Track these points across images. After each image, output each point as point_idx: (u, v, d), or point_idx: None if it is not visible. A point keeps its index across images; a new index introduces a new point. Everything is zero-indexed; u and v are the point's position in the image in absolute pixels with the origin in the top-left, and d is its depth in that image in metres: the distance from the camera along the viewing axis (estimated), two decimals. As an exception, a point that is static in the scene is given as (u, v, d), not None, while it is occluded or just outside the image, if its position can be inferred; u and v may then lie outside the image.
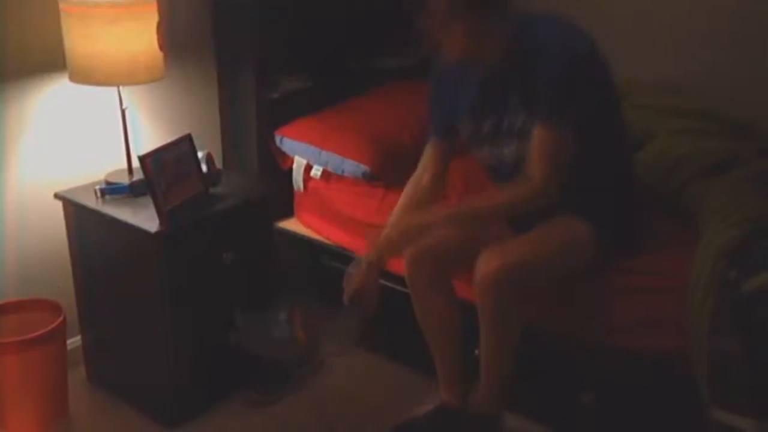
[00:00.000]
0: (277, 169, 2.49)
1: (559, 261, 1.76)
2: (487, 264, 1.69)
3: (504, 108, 1.75)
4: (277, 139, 2.44)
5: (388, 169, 2.26)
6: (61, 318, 1.97)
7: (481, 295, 1.71)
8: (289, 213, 2.51)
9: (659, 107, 2.19)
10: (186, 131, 2.02)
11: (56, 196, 2.02)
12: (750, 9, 2.29)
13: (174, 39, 2.11)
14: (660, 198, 1.93)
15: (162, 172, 1.87)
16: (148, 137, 2.24)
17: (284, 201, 2.49)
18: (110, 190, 1.99)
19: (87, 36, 1.84)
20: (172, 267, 1.89)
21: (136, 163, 2.00)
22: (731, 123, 2.09)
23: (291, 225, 2.48)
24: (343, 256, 2.29)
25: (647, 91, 2.32)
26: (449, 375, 1.94)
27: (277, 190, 2.38)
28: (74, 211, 2.02)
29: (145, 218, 1.88)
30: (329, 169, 2.34)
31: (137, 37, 1.88)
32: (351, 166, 2.27)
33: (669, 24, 2.46)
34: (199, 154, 2.02)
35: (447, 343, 1.92)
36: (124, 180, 2.03)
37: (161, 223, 1.85)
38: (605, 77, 1.74)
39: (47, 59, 1.99)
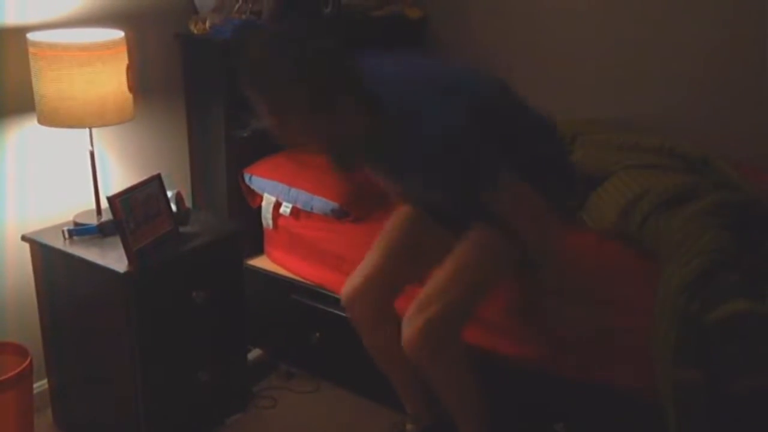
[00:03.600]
0: (247, 207, 2.50)
1: (483, 283, 1.74)
2: (411, 328, 1.66)
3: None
4: (246, 177, 2.45)
5: (357, 205, 2.29)
6: (27, 362, 1.94)
7: (415, 358, 1.69)
8: (259, 251, 2.52)
9: (618, 143, 2.26)
10: (155, 171, 2.03)
11: (23, 238, 2.00)
12: (708, 48, 2.38)
13: (142, 80, 2.13)
14: (622, 233, 1.99)
15: (131, 212, 1.87)
16: (118, 177, 2.24)
17: (254, 239, 2.50)
18: (78, 231, 1.98)
19: (56, 79, 1.84)
20: (142, 307, 1.88)
21: (105, 204, 2.00)
22: (688, 158, 2.16)
23: (261, 263, 2.49)
24: (313, 292, 2.30)
25: (607, 128, 2.39)
26: (412, 396, 1.94)
27: (247, 228, 2.39)
28: (41, 252, 2.00)
29: (113, 259, 1.87)
30: (298, 206, 2.35)
31: (106, 79, 1.89)
32: (320, 203, 2.29)
33: (630, 64, 2.55)
34: (169, 194, 2.02)
35: (402, 368, 1.88)
36: (93, 221, 2.02)
37: (130, 263, 1.85)
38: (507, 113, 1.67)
39: (16, 101, 1.99)
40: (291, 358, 2.44)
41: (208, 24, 2.33)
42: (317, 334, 2.31)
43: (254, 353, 2.40)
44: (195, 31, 2.33)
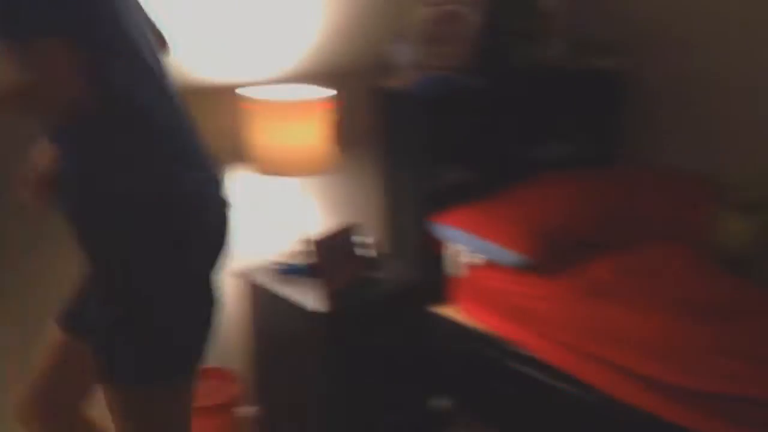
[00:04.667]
0: (435, 255, 2.55)
1: None
2: None
3: None
4: (436, 226, 2.51)
5: (549, 258, 2.25)
6: (236, 387, 2.11)
7: None
8: (446, 300, 2.56)
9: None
10: (352, 218, 2.16)
11: (235, 273, 2.20)
12: None
13: (344, 133, 2.28)
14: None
15: (330, 256, 2.00)
16: (317, 222, 2.41)
17: (441, 287, 2.54)
18: (285, 270, 2.15)
19: (265, 132, 2.04)
20: (334, 345, 1.98)
21: (304, 246, 2.15)
22: None
23: (447, 311, 2.52)
24: (499, 345, 2.28)
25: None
26: None
27: (435, 276, 2.44)
28: (251, 287, 2.19)
29: (312, 297, 2.01)
30: (487, 257, 2.36)
31: (312, 133, 2.06)
32: (509, 255, 2.28)
33: None
34: (364, 240, 2.14)
35: None
36: (294, 261, 2.18)
37: (327, 303, 1.97)
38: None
39: (229, 150, 2.20)
40: (474, 410, 2.43)
41: (405, 79, 2.45)
42: (501, 389, 2.28)
43: (437, 402, 2.43)
44: (393, 86, 2.47)
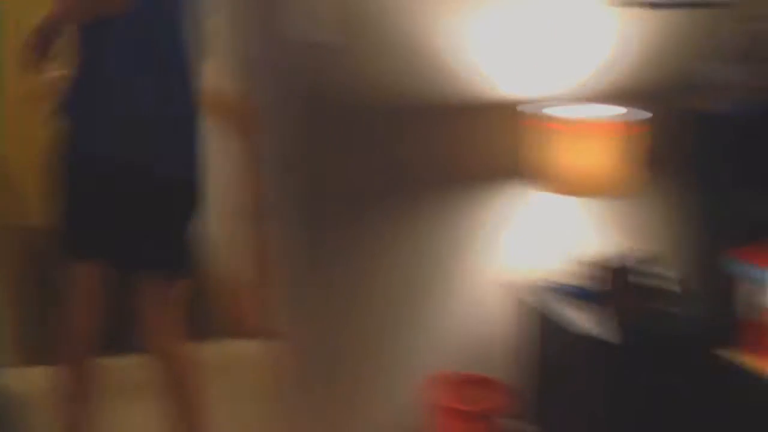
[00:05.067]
0: (730, 293, 2.34)
1: None
2: None
3: None
4: (737, 261, 2.31)
5: None
6: (502, 397, 2.14)
7: None
8: (737, 344, 2.34)
9: None
10: (647, 246, 2.05)
11: (504, 286, 2.23)
12: None
13: (647, 156, 2.18)
14: None
15: (624, 284, 1.94)
16: (603, 245, 2.34)
17: (732, 329, 2.33)
18: (560, 290, 2.13)
19: (551, 150, 2.03)
20: (621, 377, 1.91)
21: (587, 269, 2.10)
22: None
23: (739, 357, 2.30)
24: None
25: None
26: None
27: (727, 316, 2.24)
28: (522, 302, 2.21)
29: (597, 324, 1.95)
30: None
31: (606, 153, 2.00)
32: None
33: None
34: (660, 271, 2.03)
35: None
36: (574, 282, 2.15)
37: (618, 333, 1.90)
38: None
39: (504, 167, 2.24)
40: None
41: (718, 99, 2.27)
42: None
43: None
44: (703, 107, 2.30)
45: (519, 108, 2.16)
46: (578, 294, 2.10)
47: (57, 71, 2.01)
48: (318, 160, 2.12)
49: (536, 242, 2.33)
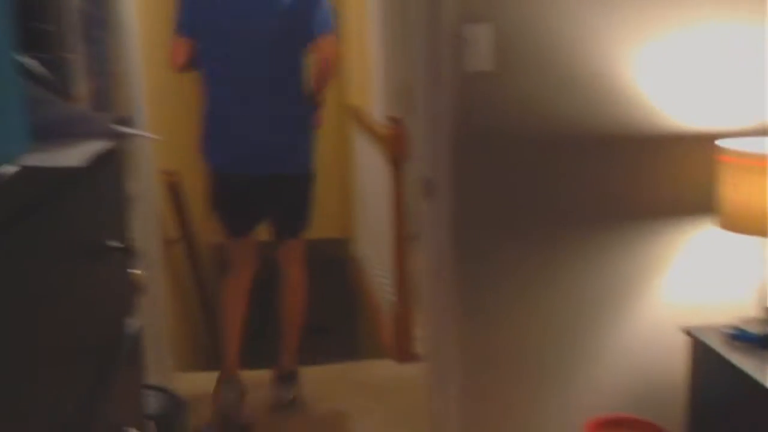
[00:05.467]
0: None
1: None
2: None
3: None
4: None
5: None
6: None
7: None
8: None
9: None
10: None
11: (684, 330, 2.08)
12: None
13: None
14: None
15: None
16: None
17: None
18: (741, 336, 1.95)
19: (740, 184, 1.87)
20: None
21: (764, 314, 1.92)
22: None
23: None
24: None
25: None
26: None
27: None
28: (699, 348, 2.05)
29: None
30: None
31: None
32: None
33: None
34: None
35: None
36: (755, 329, 1.96)
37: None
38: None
39: (696, 203, 2.10)
40: None
41: None
42: None
43: None
44: None
45: (717, 142, 2.01)
46: (762, 341, 1.92)
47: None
48: (471, 187, 2.08)
49: (722, 284, 2.17)
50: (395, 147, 3.23)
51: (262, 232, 2.92)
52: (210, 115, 2.67)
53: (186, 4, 2.56)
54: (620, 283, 2.16)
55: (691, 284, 2.17)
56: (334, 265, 5.62)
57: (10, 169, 0.73)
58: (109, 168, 1.10)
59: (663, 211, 2.13)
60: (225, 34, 2.53)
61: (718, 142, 1.97)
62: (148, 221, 2.61)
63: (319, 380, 3.17)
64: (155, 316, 2.65)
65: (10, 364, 0.73)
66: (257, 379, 3.00)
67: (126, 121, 0.94)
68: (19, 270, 0.76)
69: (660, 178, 2.11)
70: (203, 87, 2.65)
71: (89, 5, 1.20)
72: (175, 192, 3.76)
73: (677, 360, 2.13)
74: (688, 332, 2.06)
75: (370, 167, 4.02)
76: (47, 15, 0.96)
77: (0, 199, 0.71)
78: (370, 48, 4.58)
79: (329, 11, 2.61)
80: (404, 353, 3.25)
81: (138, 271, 1.28)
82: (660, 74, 2.06)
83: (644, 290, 2.17)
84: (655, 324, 2.18)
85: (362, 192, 4.53)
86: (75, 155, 0.81)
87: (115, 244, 1.08)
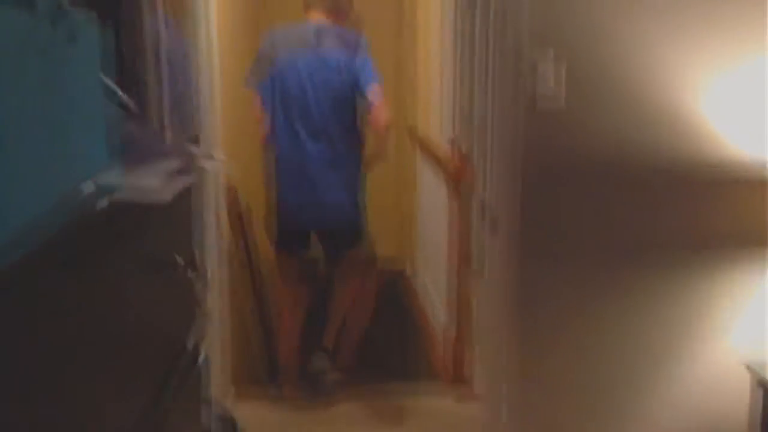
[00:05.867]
0: None
1: None
2: None
3: None
4: None
5: None
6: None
7: None
8: None
9: None
10: None
11: (748, 368, 2.02)
12: None
13: None
14: None
15: None
16: None
17: None
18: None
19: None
20: None
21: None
22: None
23: None
24: None
25: None
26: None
27: None
28: (763, 386, 1.98)
29: None
30: None
31: None
32: None
33: None
34: None
35: None
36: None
37: None
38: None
39: (747, 235, 2.04)
40: None
41: None
42: None
43: None
44: None
45: (759, 170, 1.97)
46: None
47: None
48: (537, 224, 2.07)
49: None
50: (457, 173, 3.23)
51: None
52: (280, 158, 3.11)
53: (258, 60, 3.12)
54: (684, 319, 2.11)
55: (757, 321, 2.10)
56: (389, 288, 5.62)
57: (103, 202, 0.77)
58: (185, 192, 1.14)
59: (731, 246, 2.08)
60: (293, 91, 3.02)
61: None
62: (210, 238, 2.66)
63: (366, 398, 3.15)
64: (213, 332, 2.69)
65: (83, 375, 0.76)
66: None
67: (200, 142, 0.97)
68: (99, 288, 0.79)
69: (729, 212, 2.06)
70: (274, 132, 3.10)
71: (168, 30, 1.26)
72: (236, 208, 3.83)
73: (740, 399, 2.07)
74: (752, 370, 2.00)
75: (431, 190, 4.03)
76: (129, 40, 1.00)
77: (91, 230, 0.75)
78: (436, 72, 4.60)
79: (372, 66, 3.04)
80: (455, 376, 3.23)
81: (201, 289, 1.31)
82: (729, 107, 2.02)
83: (708, 327, 2.12)
84: (718, 362, 2.12)
85: (421, 214, 4.54)
86: (161, 190, 0.86)
87: (184, 263, 1.11)
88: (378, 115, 2.99)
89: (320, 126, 3.02)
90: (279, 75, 3.03)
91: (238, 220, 3.88)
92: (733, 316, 2.11)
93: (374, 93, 2.98)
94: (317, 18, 3.07)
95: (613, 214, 2.07)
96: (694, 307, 2.10)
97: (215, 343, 2.70)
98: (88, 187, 0.75)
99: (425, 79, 4.71)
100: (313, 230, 3.23)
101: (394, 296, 5.44)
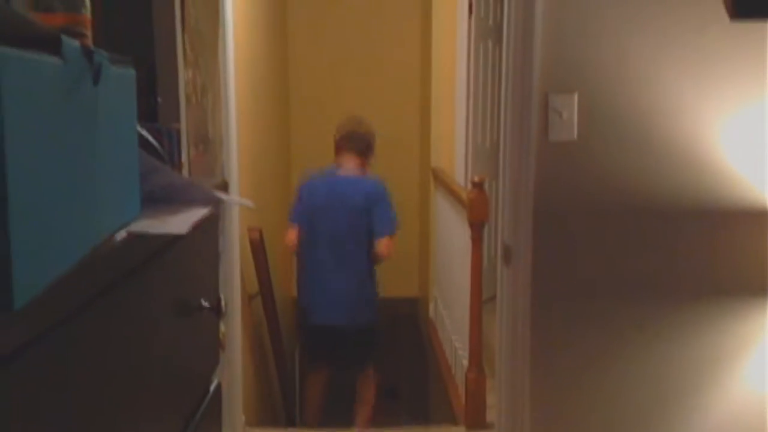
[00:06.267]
0: None
1: None
2: None
3: None
4: None
5: None
6: None
7: None
8: None
9: None
10: None
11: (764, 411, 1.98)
12: None
13: None
14: None
15: None
16: None
17: None
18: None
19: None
20: None
21: None
22: None
23: None
24: None
25: None
26: None
27: None
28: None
29: None
30: None
31: None
32: None
33: None
34: None
35: None
36: None
37: None
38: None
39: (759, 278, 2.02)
40: None
41: None
42: None
43: None
44: None
45: None
46: None
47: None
48: (550, 255, 2.06)
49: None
50: (475, 211, 3.24)
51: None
52: (304, 271, 3.78)
53: (299, 202, 3.76)
54: (702, 363, 2.07)
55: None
56: (408, 325, 5.60)
57: (121, 234, 0.79)
58: (206, 230, 1.16)
59: (748, 289, 2.05)
60: (318, 221, 3.62)
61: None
62: (231, 276, 2.69)
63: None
64: (232, 370, 2.71)
65: (105, 417, 0.77)
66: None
67: (225, 187, 1.00)
68: (119, 328, 0.81)
69: (745, 253, 2.04)
70: (302, 251, 3.75)
71: (197, 75, 1.29)
72: (256, 248, 3.86)
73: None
74: (779, 418, 1.96)
75: (450, 229, 4.04)
76: (161, 88, 1.04)
77: (108, 263, 0.77)
78: (455, 110, 4.65)
79: (393, 215, 3.63)
80: (475, 420, 3.19)
81: (222, 328, 1.32)
82: (746, 145, 2.01)
83: (728, 372, 2.07)
84: (739, 407, 2.07)
85: (440, 253, 4.54)
86: (179, 222, 0.87)
87: (206, 302, 1.13)
88: (381, 250, 3.63)
89: (340, 252, 3.63)
90: (311, 214, 3.66)
91: (263, 258, 3.92)
92: (750, 359, 2.07)
93: (383, 243, 3.60)
94: (349, 162, 3.63)
95: (625, 247, 2.05)
96: (710, 348, 2.06)
97: (231, 378, 2.70)
98: (121, 237, 0.77)
99: (446, 118, 4.76)
100: (331, 340, 3.73)
101: (415, 338, 5.41)
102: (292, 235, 3.71)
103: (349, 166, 3.62)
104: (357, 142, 3.63)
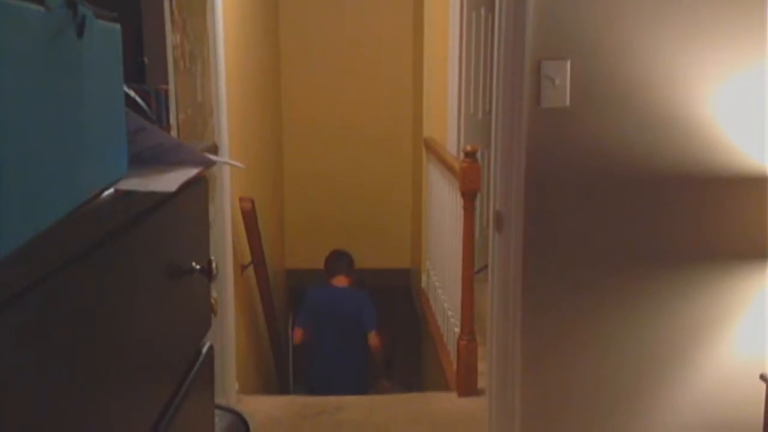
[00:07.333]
0: None
1: None
2: None
3: None
4: None
5: None
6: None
7: None
8: None
9: None
10: None
11: (762, 377, 2.00)
12: None
13: None
14: None
15: None
16: None
17: None
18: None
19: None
20: None
21: None
22: None
23: None
24: None
25: None
26: None
27: None
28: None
29: None
30: None
31: None
32: None
33: None
34: None
35: None
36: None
37: None
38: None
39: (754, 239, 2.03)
40: None
41: None
42: None
43: None
44: None
45: None
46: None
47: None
48: (542, 222, 2.06)
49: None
50: (467, 180, 3.24)
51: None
52: (311, 356, 4.75)
53: (303, 308, 4.79)
54: (693, 328, 2.09)
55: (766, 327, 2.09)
56: (401, 295, 5.63)
57: (108, 191, 0.78)
58: (195, 193, 1.16)
59: (741, 254, 2.06)
60: (320, 323, 4.67)
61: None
62: (222, 245, 2.69)
63: (380, 410, 3.17)
64: (224, 337, 2.72)
65: (94, 377, 0.77)
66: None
67: (214, 150, 0.99)
68: (107, 286, 0.81)
69: (736, 219, 2.05)
70: (309, 342, 4.71)
71: (185, 41, 1.28)
72: (249, 218, 3.86)
73: (753, 410, 2.05)
74: (766, 379, 1.98)
75: (442, 199, 4.04)
76: (147, 50, 1.02)
77: (96, 220, 0.77)
78: (448, 80, 4.63)
79: (373, 314, 4.66)
80: (467, 387, 3.23)
81: (213, 293, 1.32)
82: (738, 112, 2.01)
83: (718, 336, 2.10)
84: (730, 371, 2.10)
85: (433, 223, 4.55)
86: (168, 181, 0.86)
87: (196, 265, 1.13)
88: (374, 342, 4.70)
89: (340, 345, 4.64)
90: (316, 318, 4.72)
91: (255, 228, 3.91)
92: (741, 323, 2.09)
93: (372, 336, 4.67)
94: (340, 281, 4.75)
95: (617, 214, 2.05)
96: (701, 313, 2.08)
97: (224, 345, 2.71)
98: (109, 195, 0.76)
99: (439, 88, 4.74)
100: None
101: (408, 308, 5.44)
102: (298, 335, 4.79)
103: (341, 280, 4.78)
104: (344, 262, 4.86)
